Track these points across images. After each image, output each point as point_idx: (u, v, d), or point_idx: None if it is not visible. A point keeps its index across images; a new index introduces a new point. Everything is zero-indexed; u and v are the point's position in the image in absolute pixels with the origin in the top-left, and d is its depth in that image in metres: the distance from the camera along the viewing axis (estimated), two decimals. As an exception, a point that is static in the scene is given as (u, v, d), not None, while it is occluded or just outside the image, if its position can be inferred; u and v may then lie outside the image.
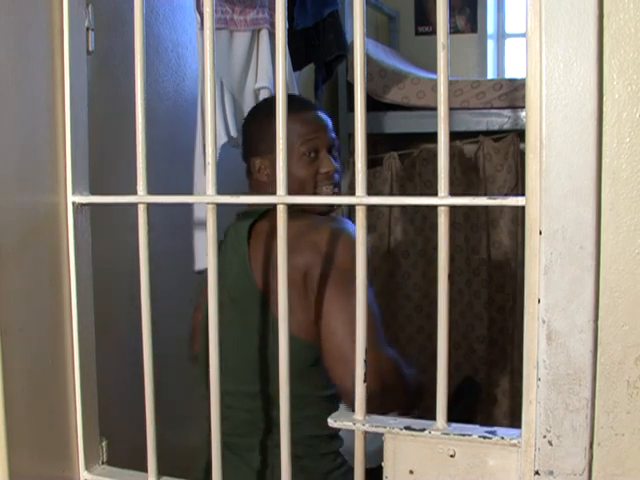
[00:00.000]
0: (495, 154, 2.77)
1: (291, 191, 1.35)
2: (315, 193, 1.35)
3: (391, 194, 2.79)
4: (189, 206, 1.86)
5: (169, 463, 1.10)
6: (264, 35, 1.97)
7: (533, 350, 0.79)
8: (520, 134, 2.62)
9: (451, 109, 0.86)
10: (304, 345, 1.27)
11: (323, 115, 1.42)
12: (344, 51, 2.39)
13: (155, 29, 1.95)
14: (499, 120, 2.54)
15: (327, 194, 1.34)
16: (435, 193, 0.86)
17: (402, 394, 1.25)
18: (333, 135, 1.38)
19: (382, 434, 0.89)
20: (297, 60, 2.22)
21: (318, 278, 1.24)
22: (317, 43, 2.33)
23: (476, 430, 0.85)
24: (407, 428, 0.87)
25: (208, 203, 0.95)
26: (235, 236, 1.36)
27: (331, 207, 1.41)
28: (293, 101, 1.20)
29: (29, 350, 0.97)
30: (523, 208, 0.79)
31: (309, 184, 1.35)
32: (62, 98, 1.02)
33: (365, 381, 0.91)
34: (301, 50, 2.27)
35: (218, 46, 1.87)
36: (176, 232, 1.94)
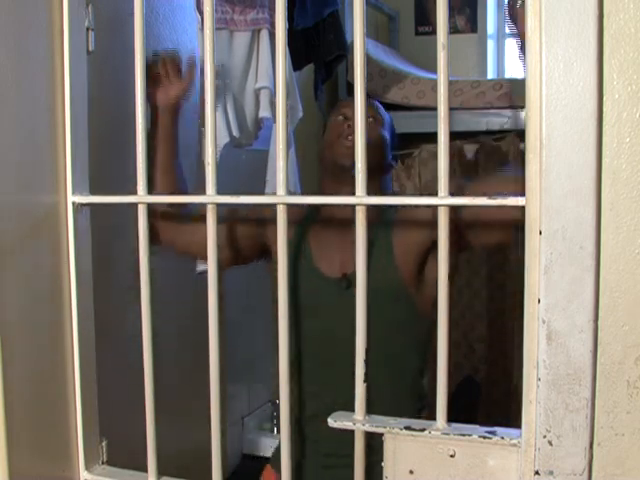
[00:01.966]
0: (495, 154, 2.77)
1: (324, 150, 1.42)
2: (340, 140, 1.39)
3: (391, 194, 2.79)
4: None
5: (169, 463, 1.09)
6: (264, 35, 1.97)
7: (533, 350, 0.79)
8: (520, 134, 2.62)
9: (451, 109, 0.86)
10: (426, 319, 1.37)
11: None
12: (344, 51, 2.39)
13: (155, 29, 1.95)
14: (499, 120, 2.54)
15: (349, 140, 1.36)
16: (435, 193, 0.86)
17: None
18: (371, 111, 1.42)
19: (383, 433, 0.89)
20: (297, 60, 2.22)
21: None
22: (317, 43, 2.33)
23: (476, 430, 0.85)
24: (407, 428, 0.87)
25: (208, 203, 0.95)
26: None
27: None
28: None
29: (29, 350, 0.97)
30: (523, 208, 0.79)
31: (335, 137, 1.40)
32: (62, 98, 1.02)
33: (366, 378, 0.91)
34: (301, 50, 2.27)
35: (218, 46, 1.87)
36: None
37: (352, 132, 1.36)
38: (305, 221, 1.41)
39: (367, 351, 0.91)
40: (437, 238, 1.29)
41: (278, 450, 1.48)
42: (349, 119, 1.40)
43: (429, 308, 1.36)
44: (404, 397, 1.36)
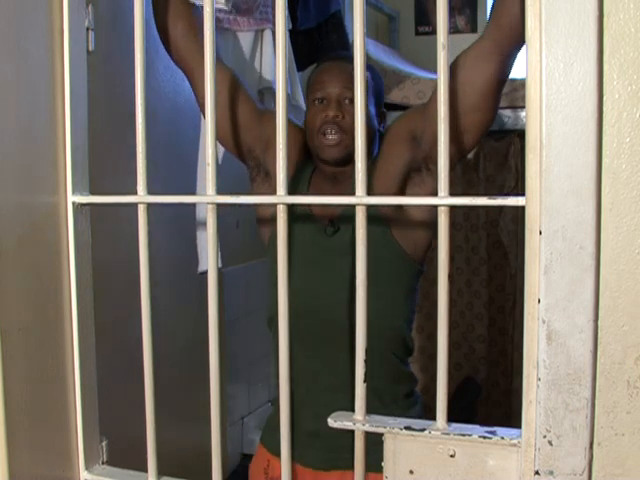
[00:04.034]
0: (495, 154, 2.77)
1: (307, 136, 1.41)
2: (319, 136, 1.36)
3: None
4: (193, 207, 1.85)
5: (169, 463, 1.10)
6: (267, 35, 1.97)
7: (533, 350, 0.79)
8: (520, 134, 2.62)
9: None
10: (414, 263, 1.38)
11: (347, 67, 1.34)
12: (346, 50, 2.39)
13: (155, 29, 1.95)
14: (499, 120, 2.54)
15: (329, 138, 1.35)
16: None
17: None
18: (353, 87, 1.36)
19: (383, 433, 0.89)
20: (300, 60, 2.22)
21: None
22: (320, 43, 2.34)
23: (476, 430, 0.85)
24: (407, 428, 0.87)
25: (208, 203, 0.95)
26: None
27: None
28: (332, 54, 1.51)
29: (29, 350, 0.97)
30: (523, 208, 0.79)
31: (315, 128, 1.37)
32: (62, 98, 1.02)
33: (366, 378, 0.91)
34: (304, 50, 2.27)
35: (221, 46, 1.87)
36: (180, 233, 1.94)
37: (332, 128, 1.34)
38: (303, 168, 1.43)
39: (367, 351, 0.91)
40: (413, 164, 1.29)
41: (267, 427, 1.50)
42: (328, 102, 1.35)
43: (414, 248, 1.37)
44: (390, 348, 1.38)
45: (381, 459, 0.92)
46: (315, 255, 1.36)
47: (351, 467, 1.35)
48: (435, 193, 1.30)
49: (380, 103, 1.46)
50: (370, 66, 1.46)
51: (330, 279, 1.35)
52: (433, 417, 0.87)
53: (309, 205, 1.39)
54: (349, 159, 1.35)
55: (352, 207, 1.30)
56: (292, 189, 1.32)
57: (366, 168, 0.89)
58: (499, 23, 1.19)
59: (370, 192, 1.27)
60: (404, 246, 1.35)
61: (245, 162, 1.46)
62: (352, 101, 1.34)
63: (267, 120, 1.42)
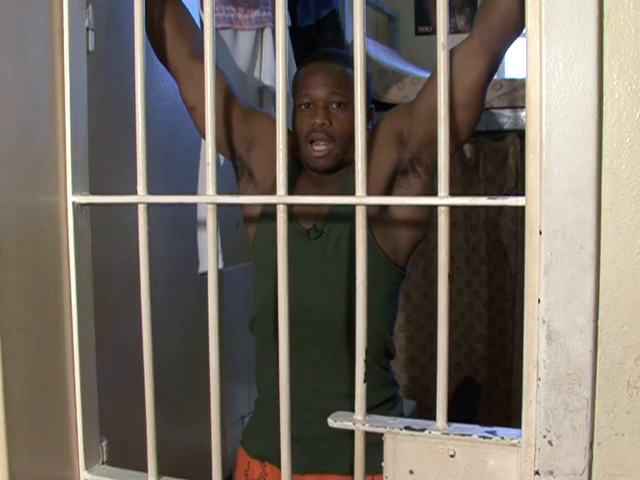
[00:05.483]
0: (495, 154, 2.77)
1: (295, 142, 1.37)
2: (307, 145, 1.34)
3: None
4: (193, 207, 1.85)
5: (169, 463, 1.10)
6: (267, 34, 1.97)
7: (533, 350, 0.79)
8: (520, 134, 2.62)
9: (451, 109, 0.86)
10: (395, 267, 1.37)
11: (333, 68, 1.36)
12: (342, 48, 2.39)
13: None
14: (499, 120, 2.54)
15: (317, 149, 1.33)
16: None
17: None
18: (341, 90, 1.33)
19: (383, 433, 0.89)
20: (300, 57, 2.23)
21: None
22: (318, 41, 2.34)
23: (476, 430, 0.85)
24: (407, 428, 0.87)
25: (208, 203, 0.95)
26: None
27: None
28: (317, 52, 1.44)
29: (29, 350, 0.97)
30: (523, 208, 0.79)
31: (302, 135, 1.35)
32: (62, 98, 1.02)
33: (365, 378, 0.91)
34: (304, 47, 2.28)
35: (223, 45, 1.88)
36: (180, 233, 1.93)
37: (320, 137, 1.31)
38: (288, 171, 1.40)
39: (367, 351, 0.91)
40: (399, 166, 1.28)
41: (247, 429, 1.49)
42: (315, 108, 1.32)
43: (396, 252, 1.36)
44: (372, 356, 1.33)
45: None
46: (297, 259, 1.34)
47: (329, 472, 1.35)
48: (422, 194, 1.30)
49: (367, 101, 1.44)
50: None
51: (313, 283, 1.35)
52: (433, 417, 0.88)
53: (293, 211, 1.38)
54: (338, 167, 1.35)
55: (335, 212, 1.28)
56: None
57: (365, 169, 0.89)
58: (489, 23, 1.18)
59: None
60: (386, 250, 1.34)
61: (232, 162, 1.45)
62: (339, 105, 1.32)
63: (251, 119, 1.41)
